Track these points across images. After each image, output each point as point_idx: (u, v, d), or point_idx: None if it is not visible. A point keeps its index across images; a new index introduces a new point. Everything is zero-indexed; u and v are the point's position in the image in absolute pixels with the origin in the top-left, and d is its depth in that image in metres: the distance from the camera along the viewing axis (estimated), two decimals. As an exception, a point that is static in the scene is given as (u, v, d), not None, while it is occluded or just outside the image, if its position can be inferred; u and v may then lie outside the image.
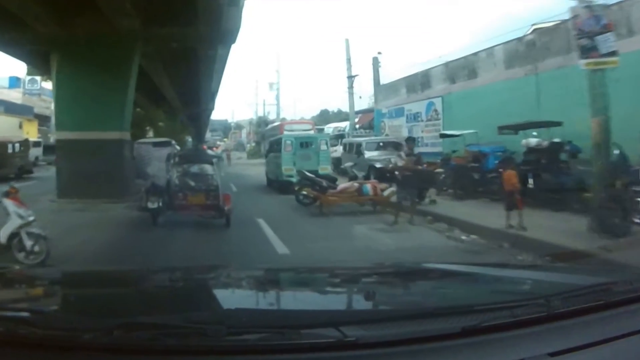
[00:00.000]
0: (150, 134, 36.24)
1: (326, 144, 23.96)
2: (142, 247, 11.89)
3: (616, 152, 11.88)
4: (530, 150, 17.01)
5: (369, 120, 43.24)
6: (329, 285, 3.13)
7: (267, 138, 45.74)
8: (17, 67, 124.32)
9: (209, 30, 21.85)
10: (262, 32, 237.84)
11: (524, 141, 17.37)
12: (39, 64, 28.67)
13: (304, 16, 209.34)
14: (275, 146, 25.24)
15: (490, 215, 13.44)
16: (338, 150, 31.99)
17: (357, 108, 42.62)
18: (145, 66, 28.19)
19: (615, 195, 10.96)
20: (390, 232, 13.23)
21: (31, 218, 10.00)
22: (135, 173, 18.85)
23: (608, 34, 11.57)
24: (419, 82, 30.80)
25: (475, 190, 17.96)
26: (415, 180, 14.92)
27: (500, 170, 14.84)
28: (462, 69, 26.37)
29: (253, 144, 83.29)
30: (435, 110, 28.27)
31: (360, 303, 2.69)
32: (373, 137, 30.72)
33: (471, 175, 18.48)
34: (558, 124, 16.51)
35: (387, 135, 32.46)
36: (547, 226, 11.77)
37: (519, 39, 22.54)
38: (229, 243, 12.09)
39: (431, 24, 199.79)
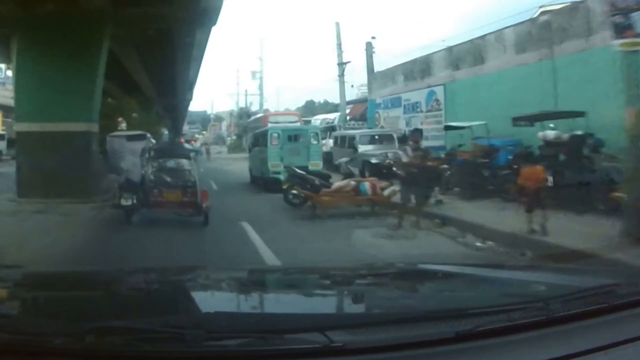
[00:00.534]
0: (123, 126, 35.60)
1: (317, 137, 23.39)
2: (113, 249, 11.81)
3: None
4: (548, 144, 16.53)
5: (362, 112, 43.35)
6: (315, 287, 3.15)
7: (250, 131, 46.06)
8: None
9: (186, 10, 21.55)
10: (244, 16, 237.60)
11: (540, 134, 16.93)
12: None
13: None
14: (260, 139, 24.81)
15: (505, 217, 12.97)
16: (327, 144, 31.73)
17: (347, 98, 42.49)
18: (117, 51, 27.79)
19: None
20: (395, 238, 12.57)
21: None
22: (108, 168, 18.19)
23: (645, 9, 10.85)
24: (418, 69, 30.43)
25: (485, 188, 17.36)
26: (422, 179, 14.28)
27: (515, 166, 14.73)
28: (467, 54, 25.96)
29: (234, 137, 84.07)
30: (437, 100, 27.88)
31: (349, 306, 2.75)
32: (367, 130, 30.66)
33: (480, 172, 17.93)
34: (581, 114, 16.04)
35: (382, 127, 32.32)
36: (573, 230, 11.32)
37: (532, 20, 22.17)
38: (210, 252, 11.64)
39: (431, 4, 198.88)
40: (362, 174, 20.53)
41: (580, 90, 17.76)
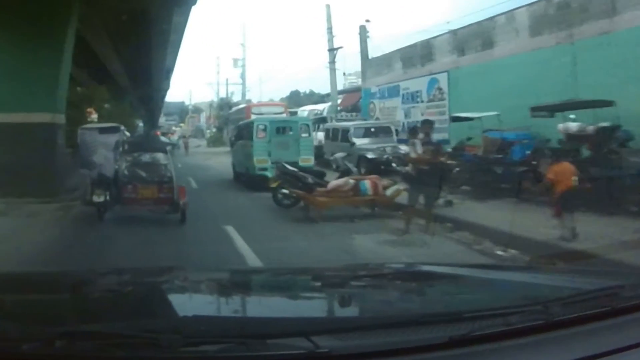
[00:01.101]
0: (94, 117, 34.98)
1: (308, 129, 22.95)
2: (84, 250, 11.79)
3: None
4: (570, 137, 16.03)
5: (354, 102, 43.56)
6: (300, 289, 3.21)
7: (232, 123, 47.46)
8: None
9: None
10: None
11: (561, 126, 16.46)
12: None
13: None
14: (245, 132, 24.36)
15: (526, 220, 12.29)
16: (316, 138, 31.05)
17: (345, 84, 42.28)
18: (86, 35, 27.44)
19: None
20: (403, 245, 11.97)
21: None
22: (79, 163, 18.33)
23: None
24: (418, 55, 30.32)
25: (498, 187, 16.85)
26: (433, 177, 13.67)
27: (534, 162, 15.02)
28: (475, 38, 25.69)
29: (214, 130, 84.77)
30: (439, 89, 27.58)
31: (336, 309, 2.80)
32: (362, 122, 30.44)
33: (493, 168, 17.34)
34: (609, 103, 15.51)
35: (377, 119, 32.18)
36: (605, 236, 10.98)
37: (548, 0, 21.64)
38: (189, 253, 11.50)
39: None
40: (358, 171, 19.83)
41: (604, 77, 17.43)
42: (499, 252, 11.12)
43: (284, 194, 16.33)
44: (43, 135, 19.78)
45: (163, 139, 48.23)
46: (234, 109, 55.08)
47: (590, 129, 15.58)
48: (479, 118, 20.20)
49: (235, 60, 74.40)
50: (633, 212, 12.64)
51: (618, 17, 17.44)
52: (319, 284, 3.32)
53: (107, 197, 14.71)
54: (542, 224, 11.43)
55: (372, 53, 36.69)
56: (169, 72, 50.86)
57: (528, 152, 16.62)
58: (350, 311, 2.73)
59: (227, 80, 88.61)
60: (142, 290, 3.07)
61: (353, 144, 25.00)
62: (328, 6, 40.47)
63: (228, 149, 42.69)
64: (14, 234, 13.60)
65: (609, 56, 17.46)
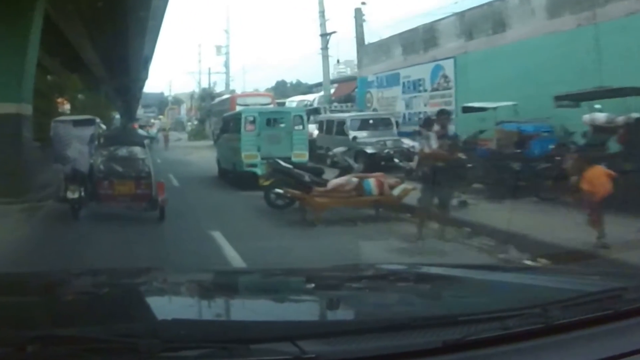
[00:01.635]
0: (66, 108, 34.90)
1: (302, 121, 22.36)
2: (56, 251, 11.65)
3: None
4: (597, 129, 15.55)
5: (347, 92, 43.73)
6: (286, 291, 3.24)
7: (215, 115, 48.66)
8: None
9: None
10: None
11: (587, 117, 15.95)
12: None
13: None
14: (232, 124, 23.85)
15: (552, 224, 12.10)
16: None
17: (333, 74, 42.47)
18: (59, 22, 27.38)
19: None
20: (418, 254, 11.39)
21: None
22: (53, 157, 17.95)
23: None
24: (420, 40, 30.08)
25: (516, 186, 16.02)
26: (449, 175, 13.12)
27: (558, 158, 14.71)
28: (485, 20, 25.44)
29: (195, 123, 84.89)
30: (445, 77, 27.43)
31: (324, 312, 2.84)
32: (360, 113, 30.17)
33: (510, 165, 16.72)
34: None
35: (374, 110, 32.13)
36: None
37: (569, -23, 21.40)
38: (169, 253, 11.70)
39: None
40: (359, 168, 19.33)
41: (631, 62, 17.36)
42: (528, 262, 10.41)
43: (278, 193, 15.85)
44: (7, 127, 19.51)
45: (141, 132, 48.44)
46: (217, 99, 55.77)
47: (620, 119, 15.16)
48: (493, 108, 19.89)
49: (219, 48, 76.32)
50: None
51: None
52: (306, 285, 3.34)
53: (82, 194, 14.78)
54: (571, 228, 11.08)
55: (369, 38, 36.72)
56: (147, 61, 51.37)
57: (551, 146, 16.33)
58: (339, 314, 2.72)
59: (209, 69, 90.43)
60: (119, 292, 3.11)
61: (356, 137, 24.64)
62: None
63: (211, 142, 43.26)
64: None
65: (637, 39, 17.36)
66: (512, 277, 3.43)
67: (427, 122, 14.17)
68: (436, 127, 13.70)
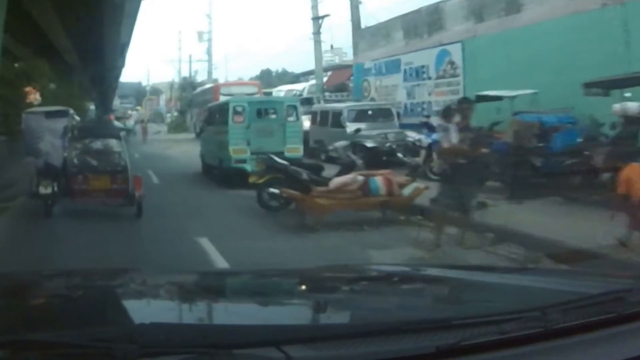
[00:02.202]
0: (35, 98, 34.53)
1: (295, 112, 21.95)
2: (27, 250, 11.66)
3: None
4: (630, 120, 15.18)
5: (342, 81, 43.70)
6: (272, 294, 3.29)
7: (196, 105, 49.46)
8: None
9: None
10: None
11: (617, 106, 15.61)
12: None
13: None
14: (218, 116, 23.51)
15: (585, 228, 11.44)
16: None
17: (311, 66, 43.36)
18: (30, 9, 27.59)
19: None
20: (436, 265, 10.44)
21: None
22: (23, 151, 18.34)
23: None
24: (424, 23, 29.75)
25: (538, 184, 15.84)
26: (471, 173, 12.50)
27: (587, 152, 14.46)
28: (496, 1, 25.14)
29: (175, 114, 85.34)
30: (451, 63, 27.06)
31: (311, 316, 2.84)
32: (358, 103, 29.90)
33: (531, 160, 16.33)
34: None
35: (372, 99, 31.88)
36: None
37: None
38: (148, 252, 11.71)
39: None
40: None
41: None
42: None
43: (272, 193, 15.27)
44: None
45: (117, 124, 49.54)
46: (199, 89, 56.22)
47: (658, 109, 14.98)
48: (511, 97, 19.42)
49: (200, 34, 75.51)
50: None
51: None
52: (292, 287, 3.38)
53: (55, 189, 14.93)
54: (606, 233, 10.43)
55: (364, 22, 36.50)
56: (123, 48, 51.18)
57: (579, 139, 15.91)
58: (327, 318, 2.72)
59: (190, 57, 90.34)
60: (94, 294, 3.13)
61: (360, 129, 23.52)
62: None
63: (192, 135, 43.63)
64: None
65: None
66: (509, 279, 3.41)
67: (446, 113, 13.45)
68: (456, 119, 13.07)
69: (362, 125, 24.20)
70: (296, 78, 70.26)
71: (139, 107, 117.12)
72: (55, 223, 14.40)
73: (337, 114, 26.57)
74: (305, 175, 15.08)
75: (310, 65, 45.19)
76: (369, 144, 22.58)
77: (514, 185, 16.22)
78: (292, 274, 3.83)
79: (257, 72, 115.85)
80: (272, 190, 15.19)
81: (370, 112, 26.54)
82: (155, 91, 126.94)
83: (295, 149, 20.39)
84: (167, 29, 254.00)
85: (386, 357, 1.94)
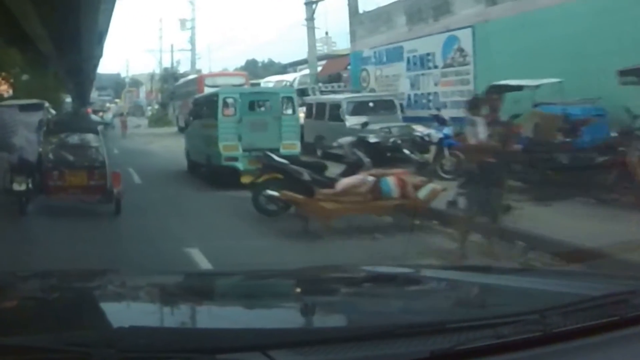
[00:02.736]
0: (5, 89, 34.67)
1: (292, 104, 21.14)
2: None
3: None
4: None
5: (337, 71, 43.21)
6: (256, 296, 3.28)
7: (179, 97, 49.66)
8: None
9: None
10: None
11: None
12: None
13: None
14: (206, 109, 22.79)
15: (623, 232, 10.97)
16: None
17: (298, 57, 42.75)
18: None
19: None
20: None
21: None
22: None
23: None
24: (429, 6, 29.28)
25: (564, 183, 15.32)
26: (500, 174, 12.14)
27: (622, 149, 13.94)
28: None
29: (156, 107, 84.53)
30: (460, 50, 26.57)
31: (298, 319, 2.82)
32: (357, 95, 29.45)
33: (556, 157, 15.74)
34: None
35: (372, 90, 31.64)
36: None
37: None
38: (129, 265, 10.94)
39: None
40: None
41: None
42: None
43: (270, 196, 14.54)
44: None
45: (94, 117, 48.57)
46: (182, 80, 55.99)
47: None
48: (534, 87, 18.81)
49: (183, 22, 75.25)
50: None
51: None
52: (280, 289, 3.39)
53: (30, 185, 15.05)
54: None
55: (363, 7, 36.26)
56: (101, 36, 51.39)
57: (613, 133, 15.48)
58: (316, 321, 2.64)
59: (172, 46, 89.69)
60: (71, 296, 3.11)
61: (367, 123, 23.14)
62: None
63: (175, 129, 44.03)
64: None
65: None
66: (507, 280, 3.35)
67: (473, 104, 12.80)
68: (484, 111, 12.38)
69: (363, 119, 23.67)
70: (283, 68, 71.24)
71: (117, 100, 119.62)
72: (29, 221, 14.56)
73: (335, 107, 26.08)
74: (307, 175, 14.44)
75: (299, 55, 45.19)
76: (372, 139, 21.74)
77: (535, 184, 15.82)
78: (280, 274, 3.85)
79: (242, 63, 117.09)
80: (270, 192, 14.50)
81: (371, 104, 26.02)
82: (135, 83, 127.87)
83: (292, 146, 19.86)
84: (147, 16, 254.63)
85: None
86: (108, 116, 65.56)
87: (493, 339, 2.02)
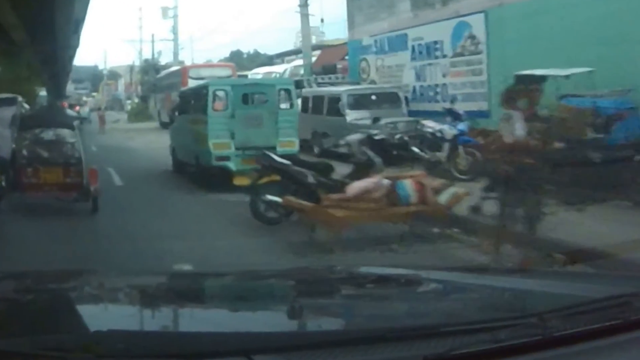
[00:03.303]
0: None
1: (290, 97, 20.67)
2: None
3: None
4: None
5: (332, 62, 42.80)
6: (242, 298, 3.36)
7: (160, 90, 50.14)
8: None
9: None
10: None
11: None
12: None
13: None
14: (194, 102, 22.22)
15: None
16: None
17: (284, 48, 43.31)
18: None
19: None
20: None
21: None
22: None
23: None
24: None
25: (597, 185, 14.50)
26: (538, 177, 11.70)
27: None
28: None
29: (136, 100, 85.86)
30: (472, 38, 25.89)
31: (285, 322, 2.83)
32: (358, 87, 29.17)
33: (587, 156, 14.95)
34: None
35: (372, 82, 31.25)
36: None
37: None
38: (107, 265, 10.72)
39: None
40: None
41: None
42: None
43: (270, 202, 13.76)
44: None
45: (69, 111, 50.96)
46: (164, 72, 55.72)
47: None
48: (564, 77, 18.05)
49: (165, 10, 74.99)
50: None
51: None
52: (267, 291, 3.41)
53: (2, 183, 15.38)
54: None
55: None
56: (78, 24, 50.70)
57: None
58: (304, 325, 2.74)
59: (152, 36, 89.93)
60: (46, 298, 3.15)
61: (378, 119, 22.71)
62: None
63: (156, 124, 44.53)
64: None
65: None
66: (505, 282, 3.38)
67: (508, 96, 12.14)
68: (520, 104, 11.68)
69: (365, 114, 23.57)
70: (270, 60, 71.67)
71: (95, 93, 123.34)
72: (2, 220, 14.72)
73: (335, 100, 25.78)
74: (311, 178, 13.67)
75: (286, 46, 45.16)
76: (376, 135, 21.28)
77: (564, 186, 14.60)
78: (268, 275, 3.88)
79: (227, 54, 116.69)
80: (270, 198, 13.69)
81: (373, 97, 25.78)
82: (114, 75, 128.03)
83: (290, 143, 19.31)
84: (126, 4, 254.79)
85: None
86: (85, 110, 68.42)
87: (490, 343, 2.05)
